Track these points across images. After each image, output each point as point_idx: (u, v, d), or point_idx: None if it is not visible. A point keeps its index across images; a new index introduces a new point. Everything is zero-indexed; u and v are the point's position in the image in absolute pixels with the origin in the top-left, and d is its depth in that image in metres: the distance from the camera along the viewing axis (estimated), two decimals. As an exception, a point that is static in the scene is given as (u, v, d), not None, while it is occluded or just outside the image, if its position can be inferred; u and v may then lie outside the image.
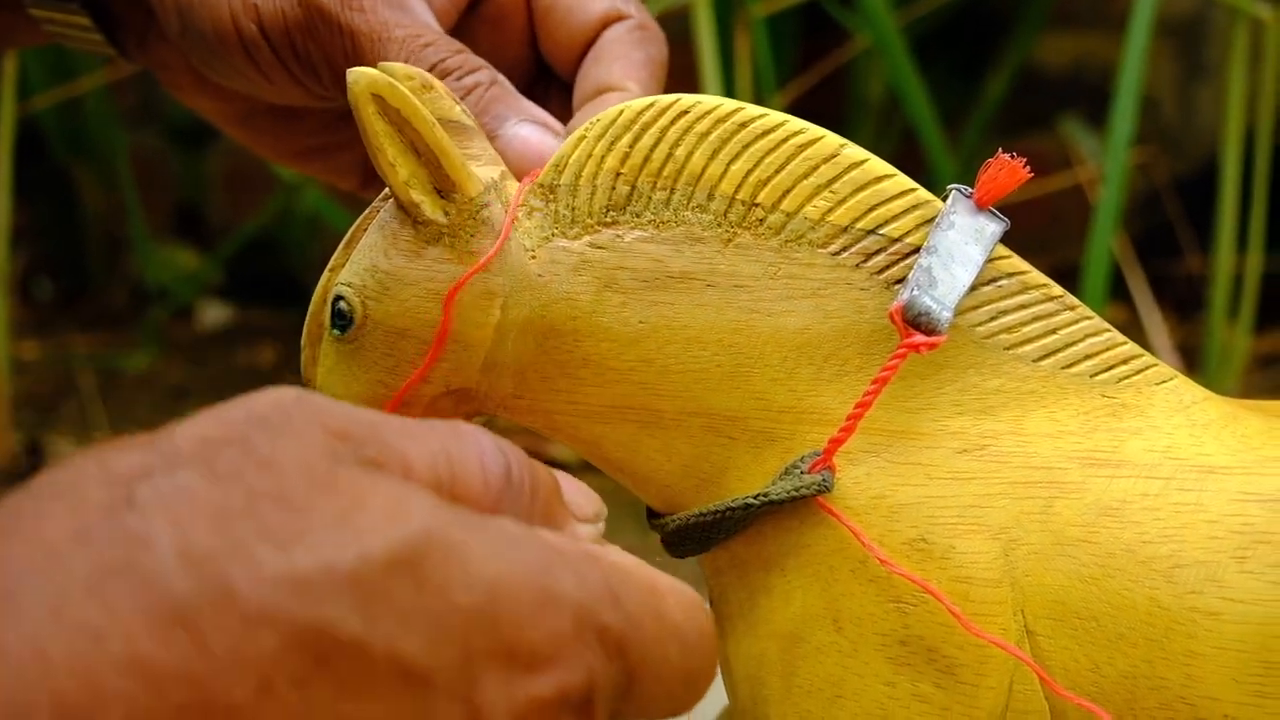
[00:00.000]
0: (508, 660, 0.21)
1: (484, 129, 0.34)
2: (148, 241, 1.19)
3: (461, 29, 0.40)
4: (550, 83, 0.41)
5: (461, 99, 0.34)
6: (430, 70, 0.35)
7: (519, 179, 0.33)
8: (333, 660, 0.20)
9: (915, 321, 0.30)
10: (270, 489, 0.21)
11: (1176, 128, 1.35)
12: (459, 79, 0.36)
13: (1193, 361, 0.99)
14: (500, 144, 0.35)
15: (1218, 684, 0.29)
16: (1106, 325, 0.32)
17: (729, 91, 0.86)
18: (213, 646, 0.19)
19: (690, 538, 0.33)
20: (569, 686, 0.22)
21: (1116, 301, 1.06)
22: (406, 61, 0.35)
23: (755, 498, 0.31)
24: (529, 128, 0.35)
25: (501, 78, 0.37)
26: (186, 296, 1.20)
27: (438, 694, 0.21)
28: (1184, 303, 1.15)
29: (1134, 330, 1.05)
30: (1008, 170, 0.32)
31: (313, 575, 0.20)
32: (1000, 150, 0.32)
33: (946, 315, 0.30)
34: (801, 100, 1.26)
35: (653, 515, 0.34)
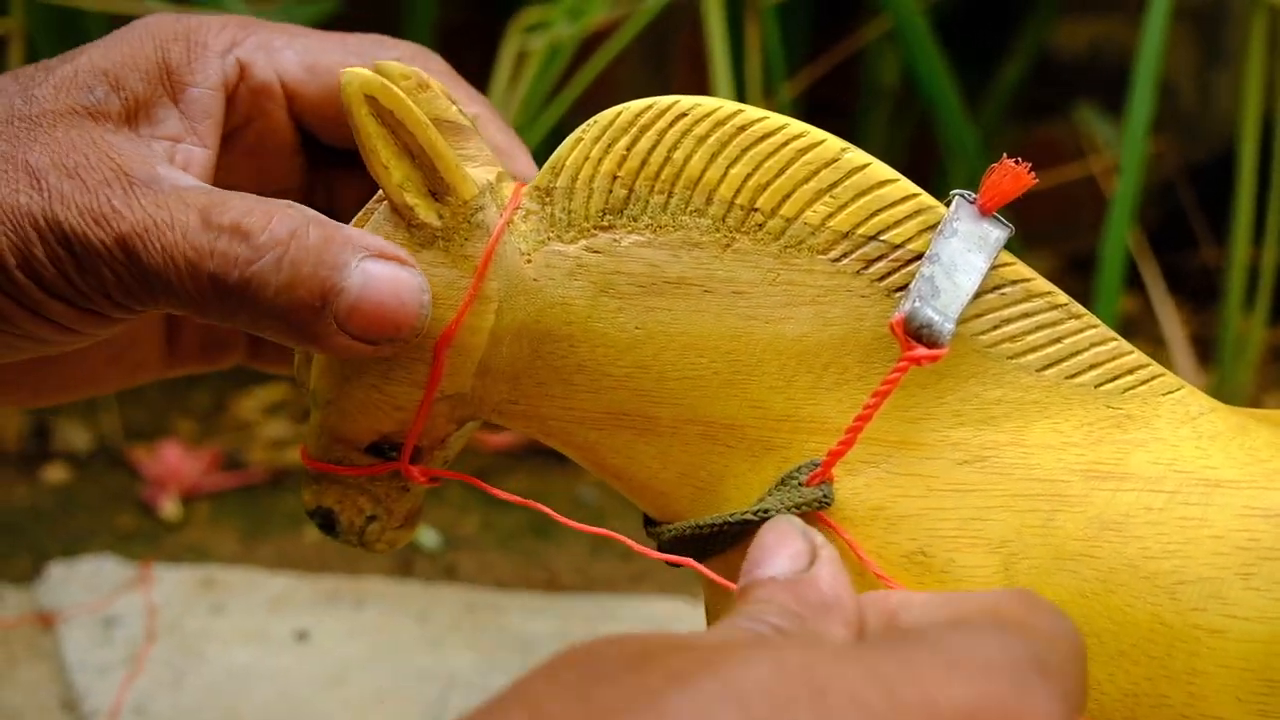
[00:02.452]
0: None
1: (319, 283, 0.29)
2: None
3: (227, 170, 0.34)
4: (321, 161, 0.36)
5: (276, 258, 0.29)
6: (228, 232, 0.30)
7: (383, 325, 0.30)
8: None
9: (917, 334, 0.30)
10: None
11: (1194, 114, 1.34)
12: (265, 237, 0.30)
13: (1208, 353, 0.98)
14: (350, 298, 0.29)
15: (1221, 702, 0.29)
16: (1113, 334, 0.32)
17: (739, 79, 0.85)
18: None
19: (687, 548, 0.32)
20: None
21: (1131, 292, 1.04)
22: (199, 240, 0.30)
23: (755, 513, 0.31)
24: (375, 264, 0.30)
25: (312, 213, 0.31)
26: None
27: None
28: (1200, 294, 1.14)
29: (1148, 322, 1.04)
30: (1012, 176, 0.31)
31: None
32: (1006, 158, 0.31)
33: (949, 327, 0.30)
34: (814, 88, 1.25)
35: (649, 523, 0.34)
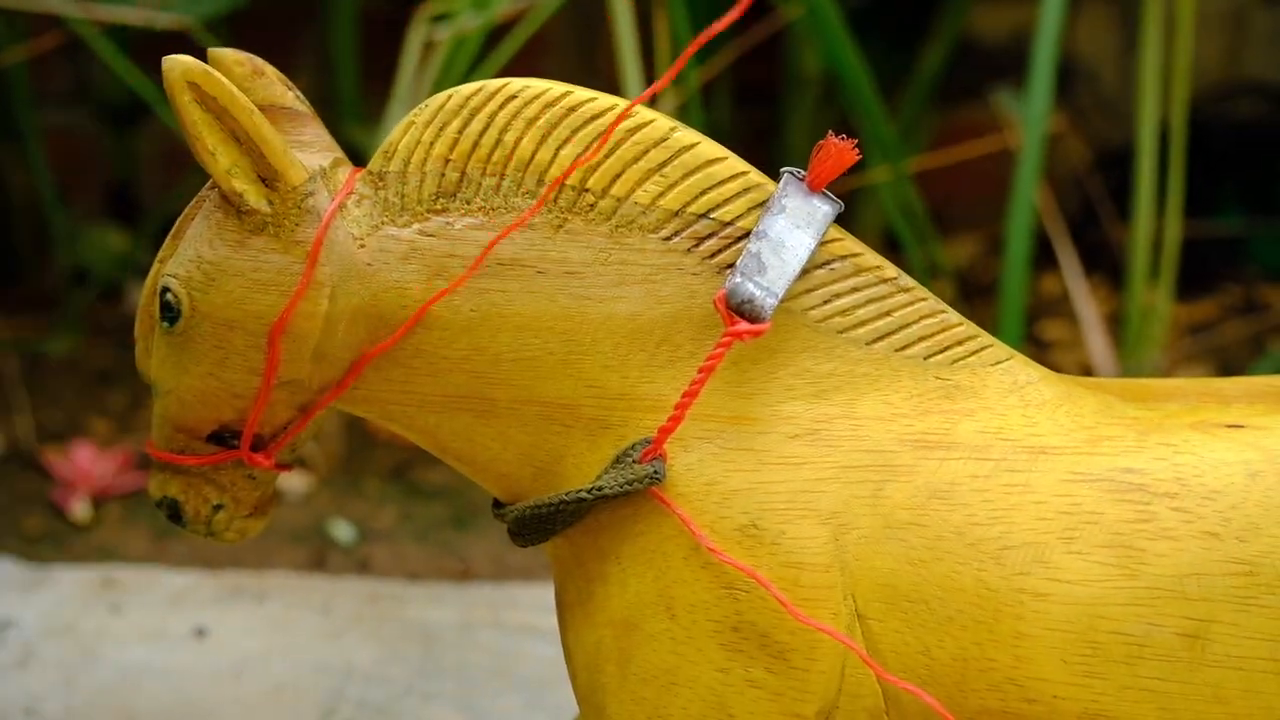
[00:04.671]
0: None
1: None
2: (73, 223, 1.18)
3: None
4: None
5: None
6: None
7: None
8: None
9: (739, 309, 0.30)
10: None
11: (1117, 97, 1.35)
12: None
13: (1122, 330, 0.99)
14: None
15: (1046, 664, 0.29)
16: (943, 306, 0.32)
17: (647, 68, 0.85)
18: None
19: (529, 528, 0.32)
20: None
21: (1054, 272, 1.06)
22: None
23: (589, 491, 0.31)
24: None
25: None
26: (114, 278, 1.18)
27: None
28: (1121, 271, 1.16)
29: (1065, 300, 1.05)
30: (839, 152, 0.31)
31: None
32: (831, 135, 0.32)
33: (771, 302, 0.30)
34: (742, 74, 1.25)
35: (497, 505, 0.34)
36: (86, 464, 0.76)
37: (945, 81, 1.22)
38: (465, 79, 0.80)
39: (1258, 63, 1.35)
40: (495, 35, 0.84)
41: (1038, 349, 1.18)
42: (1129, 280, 0.90)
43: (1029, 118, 0.76)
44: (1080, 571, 0.29)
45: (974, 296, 1.12)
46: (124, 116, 1.26)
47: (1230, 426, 0.31)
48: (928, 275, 1.12)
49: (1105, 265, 1.15)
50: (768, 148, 1.26)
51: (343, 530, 0.77)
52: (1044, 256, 1.02)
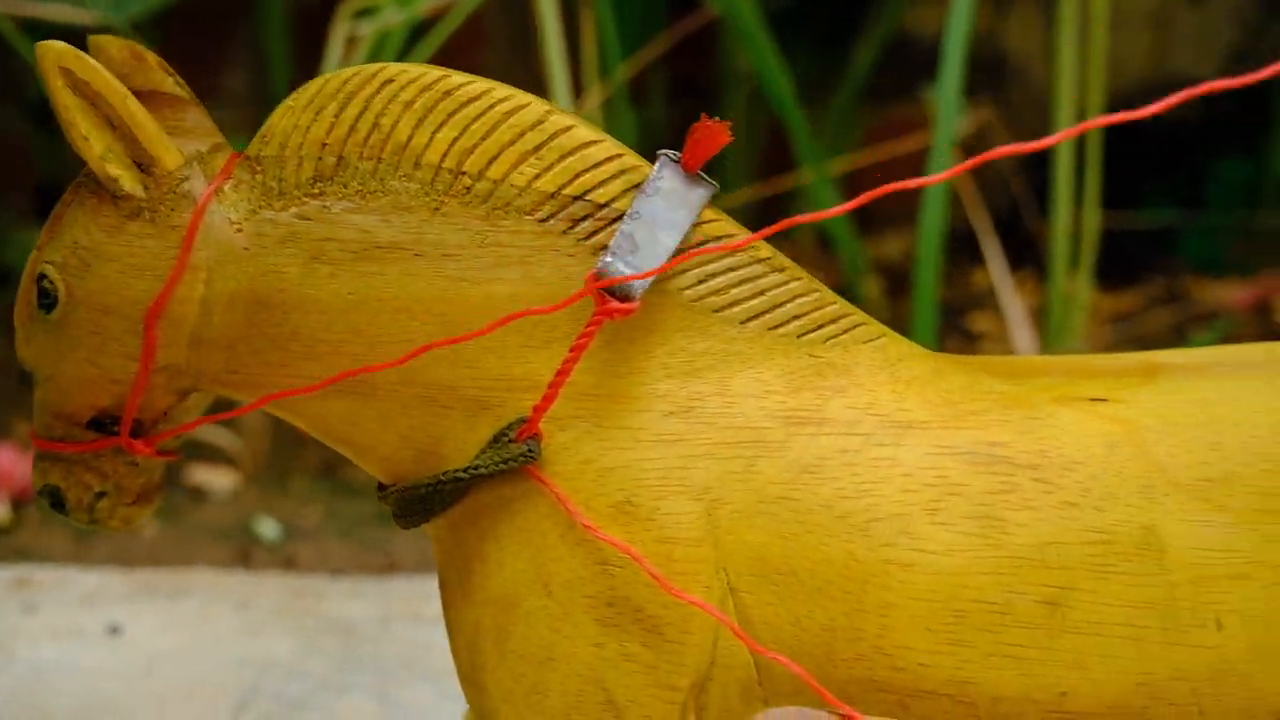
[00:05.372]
0: None
1: None
2: (2, 225, 1.16)
3: None
4: None
5: None
6: None
7: None
8: None
9: (611, 289, 0.31)
10: None
11: (1047, 93, 1.37)
12: None
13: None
14: None
15: (912, 633, 0.30)
16: (817, 285, 0.33)
17: (573, 63, 0.85)
18: None
19: (410, 509, 0.33)
20: None
21: (985, 265, 1.07)
22: None
23: (464, 471, 0.31)
24: None
25: None
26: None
27: None
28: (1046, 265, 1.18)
29: (995, 293, 1.07)
30: (712, 133, 0.32)
31: None
32: (705, 118, 0.32)
33: (642, 282, 0.31)
34: (677, 69, 1.26)
35: (381, 488, 0.34)
36: (7, 465, 0.76)
37: (879, 79, 1.24)
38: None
39: (1184, 60, 1.37)
40: (424, 30, 0.84)
41: (967, 341, 1.20)
42: (1050, 272, 0.91)
43: (942, 113, 0.78)
44: (945, 542, 0.30)
45: (904, 291, 1.13)
46: (52, 115, 1.24)
47: (1093, 400, 0.31)
48: (856, 271, 1.14)
49: (1034, 259, 1.17)
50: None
51: (268, 528, 0.77)
52: (976, 251, 1.03)
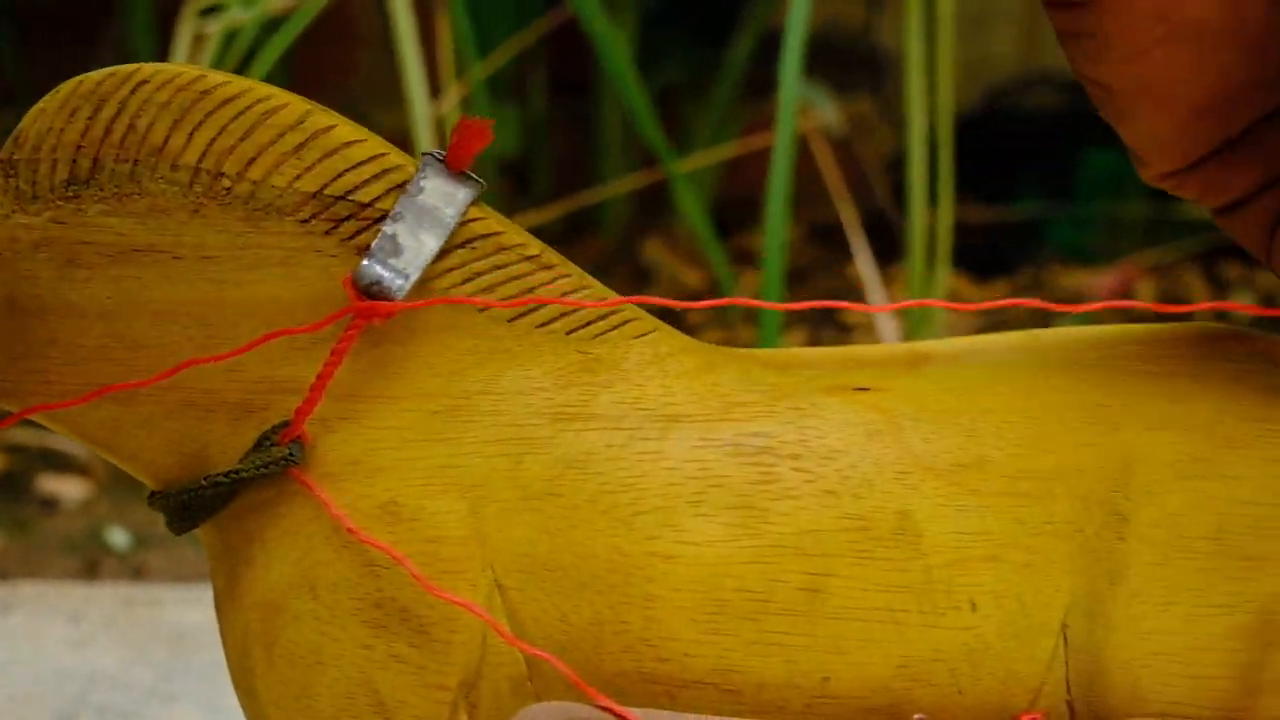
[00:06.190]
0: None
1: None
2: None
3: None
4: None
5: None
6: None
7: None
8: None
9: (368, 290, 0.30)
10: None
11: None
12: None
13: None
14: None
15: (676, 624, 0.30)
16: (588, 281, 0.33)
17: (428, 62, 0.85)
18: None
19: (177, 516, 0.32)
20: None
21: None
22: None
23: (225, 475, 0.31)
24: None
25: None
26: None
27: None
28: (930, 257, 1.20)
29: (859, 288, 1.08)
30: (475, 131, 0.32)
31: None
32: (466, 117, 0.32)
33: (401, 283, 0.31)
34: (557, 66, 1.25)
35: (152, 495, 0.33)
36: None
37: (756, 74, 1.25)
38: (240, 73, 0.79)
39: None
40: (276, 28, 0.83)
41: (841, 332, 1.22)
42: (908, 264, 0.93)
43: (781, 108, 0.79)
44: (707, 533, 0.30)
45: (789, 283, 1.14)
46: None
47: (857, 389, 0.32)
48: (734, 263, 1.14)
49: (904, 253, 1.19)
50: (586, 136, 1.27)
51: (118, 537, 0.75)
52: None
